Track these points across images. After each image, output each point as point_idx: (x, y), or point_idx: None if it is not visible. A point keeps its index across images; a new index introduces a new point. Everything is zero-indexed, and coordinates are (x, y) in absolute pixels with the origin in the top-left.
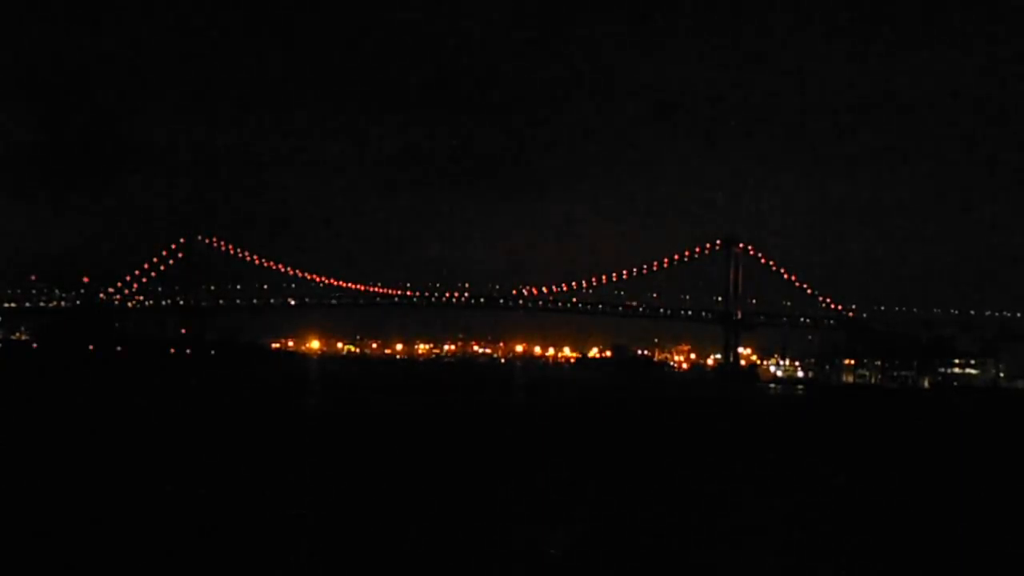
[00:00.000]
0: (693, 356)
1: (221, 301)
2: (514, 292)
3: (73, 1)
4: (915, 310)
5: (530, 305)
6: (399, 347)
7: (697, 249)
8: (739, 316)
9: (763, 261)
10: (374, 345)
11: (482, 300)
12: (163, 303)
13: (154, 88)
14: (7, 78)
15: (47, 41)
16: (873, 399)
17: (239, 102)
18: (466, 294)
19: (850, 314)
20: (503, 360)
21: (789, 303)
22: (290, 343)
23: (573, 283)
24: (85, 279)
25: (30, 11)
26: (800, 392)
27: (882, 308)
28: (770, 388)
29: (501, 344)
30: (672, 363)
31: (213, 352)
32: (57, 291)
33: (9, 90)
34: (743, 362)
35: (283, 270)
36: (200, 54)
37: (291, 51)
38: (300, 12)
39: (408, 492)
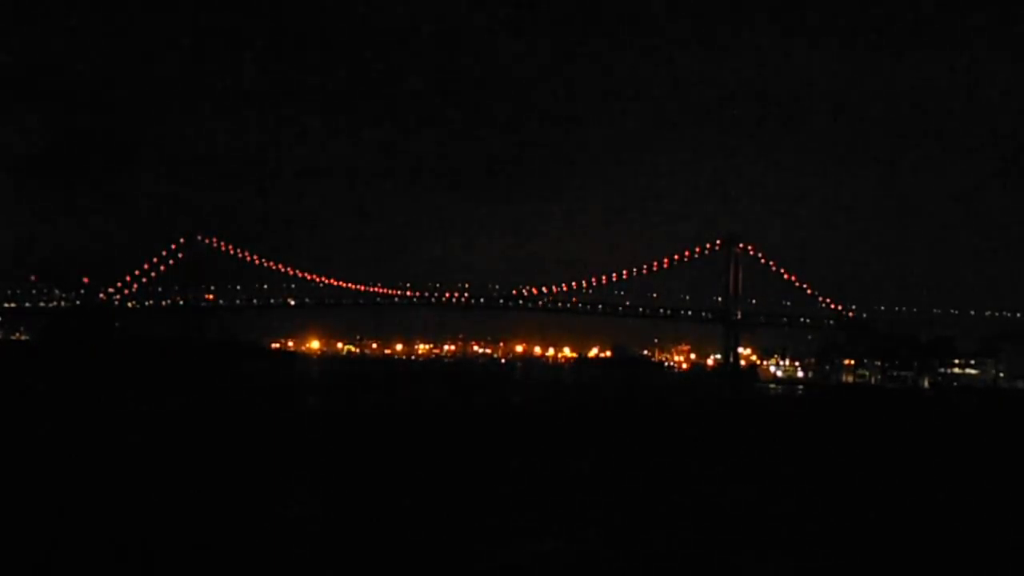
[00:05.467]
0: (693, 356)
1: (221, 301)
2: (514, 292)
3: (77, 2)
4: (915, 310)
5: (530, 305)
6: (399, 347)
7: (697, 249)
8: (739, 316)
9: (763, 261)
10: (374, 345)
11: (482, 300)
12: (163, 303)
13: (156, 89)
14: (9, 79)
15: (50, 42)
16: (873, 399)
17: (240, 103)
18: (466, 294)
19: (850, 314)
20: (503, 360)
21: (789, 303)
22: (290, 343)
23: (573, 283)
24: (85, 279)
25: (33, 12)
26: (800, 392)
27: (882, 308)
28: (770, 388)
29: (501, 344)
30: (672, 363)
31: (213, 352)
32: (57, 291)
33: (12, 91)
34: (743, 362)
35: (283, 270)
36: (202, 55)
37: (293, 52)
38: (301, 13)
39: (405, 492)
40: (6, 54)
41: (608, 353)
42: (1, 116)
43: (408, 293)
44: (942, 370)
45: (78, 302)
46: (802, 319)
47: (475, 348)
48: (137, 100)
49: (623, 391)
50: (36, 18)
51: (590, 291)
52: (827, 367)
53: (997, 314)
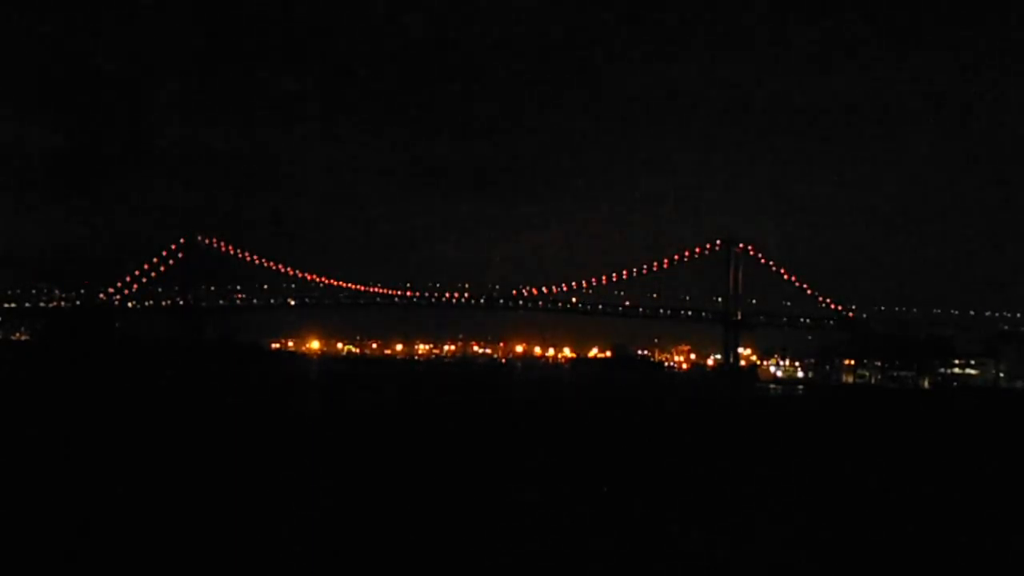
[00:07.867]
0: (693, 356)
1: (221, 301)
2: (514, 292)
3: (80, 2)
4: (915, 310)
5: (530, 305)
6: (399, 347)
7: (697, 249)
8: (739, 316)
9: (763, 261)
10: (374, 345)
11: (482, 300)
12: (163, 303)
13: (157, 90)
14: (11, 80)
15: (52, 43)
16: (873, 399)
17: (241, 103)
18: (466, 294)
19: (850, 314)
20: (503, 360)
21: (789, 303)
22: (290, 343)
23: (573, 283)
24: (85, 279)
25: (36, 12)
26: (800, 392)
27: (882, 308)
28: (770, 388)
29: (501, 344)
30: (672, 363)
31: (212, 352)
32: (57, 291)
33: (13, 92)
34: (743, 362)
35: (283, 270)
36: (204, 55)
37: (295, 54)
38: (304, 15)
39: (405, 492)
40: (10, 55)
41: (608, 353)
42: (3, 117)
43: (408, 293)
44: (942, 370)
45: (78, 302)
46: (802, 319)
47: (475, 348)
48: (140, 101)
49: (623, 391)
50: (41, 19)
51: (590, 291)
52: (827, 367)
53: (997, 314)
